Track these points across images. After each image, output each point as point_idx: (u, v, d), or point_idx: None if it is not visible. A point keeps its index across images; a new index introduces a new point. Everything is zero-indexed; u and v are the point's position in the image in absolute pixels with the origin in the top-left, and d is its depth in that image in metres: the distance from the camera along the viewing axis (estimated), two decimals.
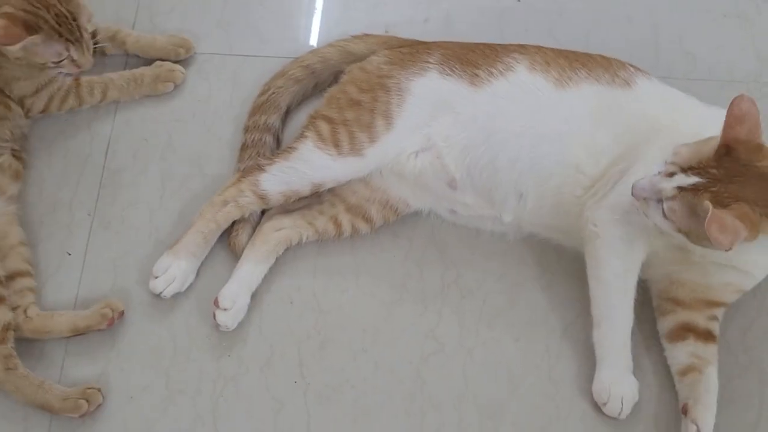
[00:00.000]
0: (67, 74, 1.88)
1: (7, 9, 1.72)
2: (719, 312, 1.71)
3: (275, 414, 1.72)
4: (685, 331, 1.69)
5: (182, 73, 2.02)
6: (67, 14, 1.77)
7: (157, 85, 2.00)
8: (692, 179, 1.47)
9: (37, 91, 1.92)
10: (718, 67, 1.99)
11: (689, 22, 2.06)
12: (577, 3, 2.09)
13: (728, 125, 1.46)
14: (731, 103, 1.47)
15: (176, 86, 2.01)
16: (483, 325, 1.78)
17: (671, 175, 1.50)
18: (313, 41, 2.06)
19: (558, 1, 2.10)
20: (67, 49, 1.79)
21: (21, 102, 1.92)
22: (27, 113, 1.94)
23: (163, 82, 2.00)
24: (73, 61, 1.82)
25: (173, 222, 1.89)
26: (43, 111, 1.95)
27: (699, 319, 1.69)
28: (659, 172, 1.52)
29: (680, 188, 1.48)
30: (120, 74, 2.00)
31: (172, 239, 1.83)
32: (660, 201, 1.50)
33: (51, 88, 1.93)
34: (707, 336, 1.69)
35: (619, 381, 1.67)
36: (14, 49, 1.74)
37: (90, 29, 1.86)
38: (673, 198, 1.49)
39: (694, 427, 1.61)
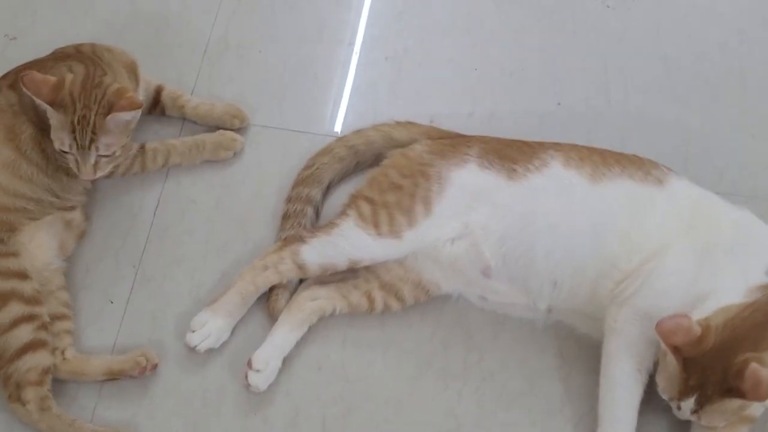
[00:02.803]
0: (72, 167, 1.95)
1: (68, 76, 1.90)
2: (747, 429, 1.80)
3: None
4: None
5: (242, 142, 2.18)
6: (91, 123, 1.87)
7: (219, 152, 2.16)
8: (691, 400, 1.64)
9: None
10: (742, 182, 2.13)
11: (719, 139, 2.22)
12: (613, 110, 2.25)
13: (665, 340, 1.63)
14: (657, 327, 1.63)
15: (235, 154, 2.17)
16: (501, 408, 1.90)
17: (678, 408, 1.66)
18: (361, 124, 2.19)
19: (596, 107, 2.26)
20: (70, 147, 1.88)
21: None
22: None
23: (224, 150, 2.16)
24: (76, 162, 1.91)
25: (214, 281, 2.03)
26: (108, 176, 2.09)
27: None
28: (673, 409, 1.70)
29: (694, 411, 1.63)
30: (182, 141, 2.16)
31: (212, 298, 1.97)
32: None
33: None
34: None
35: None
36: (41, 105, 1.87)
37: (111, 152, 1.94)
38: (699, 418, 1.65)
39: None
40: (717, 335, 1.61)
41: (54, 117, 1.86)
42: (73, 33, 2.16)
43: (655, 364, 1.78)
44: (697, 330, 1.61)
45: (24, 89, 1.83)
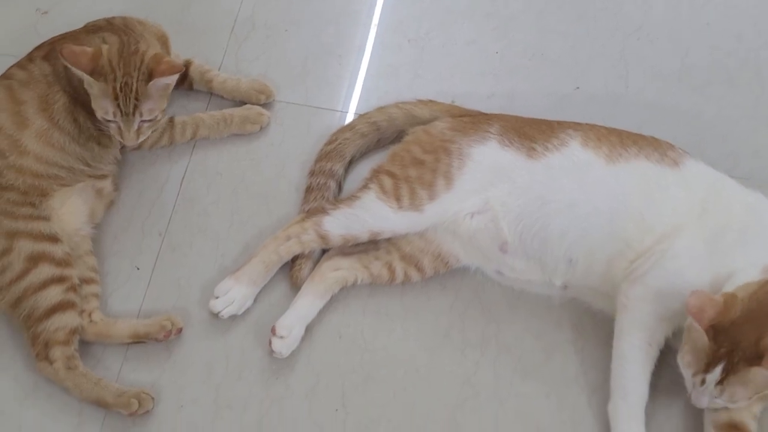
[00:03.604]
0: (113, 135, 2.02)
1: (104, 46, 1.95)
2: (761, 408, 1.85)
3: None
4: (734, 429, 1.80)
5: (268, 117, 2.24)
6: (134, 90, 1.93)
7: (246, 125, 2.23)
8: (717, 370, 1.66)
9: None
10: (757, 168, 2.18)
11: (734, 126, 2.27)
12: (631, 96, 2.31)
13: (698, 318, 1.66)
14: (687, 306, 1.66)
15: (261, 128, 2.24)
16: (517, 379, 1.95)
17: (702, 382, 1.69)
18: (382, 102, 2.24)
19: (614, 92, 2.31)
20: (114, 114, 1.95)
21: None
22: (122, 148, 2.16)
23: (251, 124, 2.23)
24: (119, 129, 1.98)
25: (238, 251, 2.09)
26: (137, 148, 2.17)
27: (747, 417, 1.82)
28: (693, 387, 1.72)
29: (719, 383, 1.66)
30: (210, 114, 2.22)
31: (235, 267, 2.03)
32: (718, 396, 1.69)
33: None
34: None
35: None
36: (80, 75, 1.93)
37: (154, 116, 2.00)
38: (722, 392, 1.67)
39: None
40: (743, 305, 1.66)
41: (94, 86, 1.91)
42: (104, 9, 2.21)
43: (667, 340, 1.85)
44: (721, 301, 1.65)
45: (63, 61, 1.89)
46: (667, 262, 1.82)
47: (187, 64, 2.24)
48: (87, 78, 1.90)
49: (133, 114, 1.94)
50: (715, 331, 1.65)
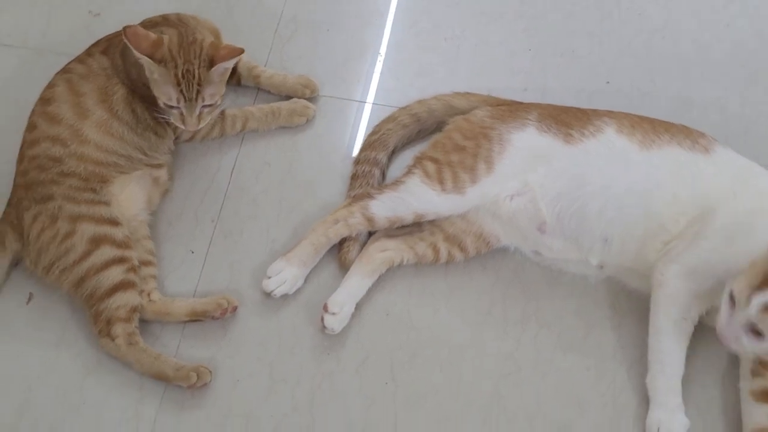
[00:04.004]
0: (174, 122, 2.10)
1: (165, 35, 2.05)
2: None
3: (366, 409, 1.99)
4: None
5: (314, 110, 2.35)
6: (196, 76, 2.01)
7: (293, 118, 2.34)
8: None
9: None
10: None
11: (758, 119, 2.38)
12: (657, 90, 2.44)
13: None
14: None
15: (308, 121, 2.35)
16: (557, 354, 2.05)
17: (747, 299, 1.73)
18: (420, 96, 2.35)
19: (641, 87, 2.43)
20: (178, 100, 2.03)
21: (174, 129, 2.23)
22: (177, 139, 2.27)
23: (298, 116, 2.34)
24: (181, 115, 2.07)
25: (287, 236, 2.20)
26: (189, 140, 2.29)
27: None
28: (729, 312, 1.76)
29: (765, 305, 1.69)
30: (259, 108, 2.33)
31: (285, 251, 2.13)
32: (749, 331, 1.73)
33: None
34: None
35: (668, 420, 1.92)
36: (140, 58, 2.01)
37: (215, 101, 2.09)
38: (761, 315, 1.69)
39: None
40: None
41: (156, 71, 2.01)
42: (153, 11, 2.30)
43: (701, 318, 1.96)
44: None
45: (125, 41, 1.98)
46: (701, 242, 1.92)
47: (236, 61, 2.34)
48: (148, 62, 1.99)
49: (196, 99, 2.03)
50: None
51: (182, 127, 2.09)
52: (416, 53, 2.51)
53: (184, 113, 2.06)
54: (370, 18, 2.56)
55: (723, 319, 1.78)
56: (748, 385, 1.94)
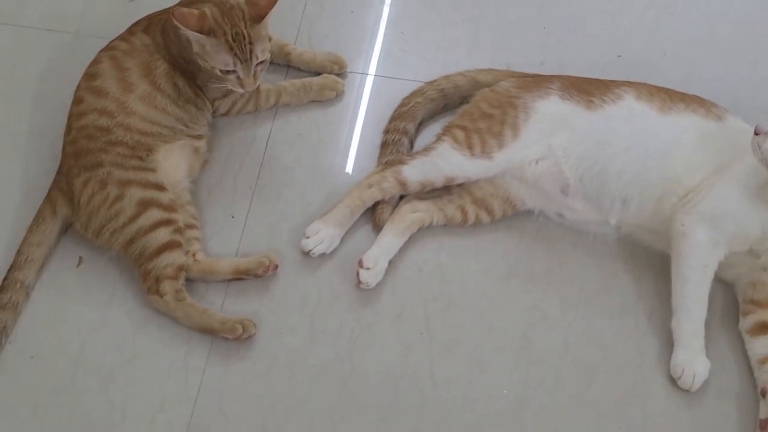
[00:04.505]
0: (231, 89, 2.23)
1: (205, 9, 2.16)
2: None
3: (403, 357, 2.13)
4: (765, 328, 2.06)
5: (343, 84, 2.49)
6: (246, 36, 2.11)
7: (324, 92, 2.48)
8: None
9: (224, 95, 2.37)
10: None
11: (764, 86, 2.55)
12: (668, 62, 2.59)
13: None
14: None
15: (337, 95, 2.49)
16: (582, 303, 2.19)
17: None
18: (444, 72, 2.50)
19: (652, 59, 2.58)
20: (234, 64, 2.13)
21: (212, 102, 2.37)
22: (214, 113, 2.41)
23: (329, 90, 2.48)
24: (238, 78, 2.17)
25: (321, 201, 2.33)
26: (225, 113, 2.43)
27: None
28: None
29: None
30: (291, 83, 2.47)
31: (320, 214, 2.27)
32: None
33: (235, 94, 2.37)
34: None
35: (692, 361, 2.06)
36: (190, 36, 2.13)
37: (266, 57, 2.20)
38: None
39: None
40: None
41: (207, 43, 2.13)
42: None
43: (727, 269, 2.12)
44: None
45: (175, 22, 2.10)
46: (719, 190, 2.07)
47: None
48: (199, 37, 2.11)
49: (250, 58, 2.16)
50: None
51: (240, 90, 2.21)
52: (439, 30, 2.65)
53: (241, 75, 2.18)
54: (392, 0, 2.71)
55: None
56: (743, 324, 2.11)
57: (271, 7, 2.14)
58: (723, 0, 2.72)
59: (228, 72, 2.17)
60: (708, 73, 2.56)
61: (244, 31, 2.12)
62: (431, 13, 2.69)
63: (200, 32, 2.10)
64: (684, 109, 2.18)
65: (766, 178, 2.01)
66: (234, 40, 2.12)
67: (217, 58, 2.14)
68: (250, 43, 2.13)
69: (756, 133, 1.97)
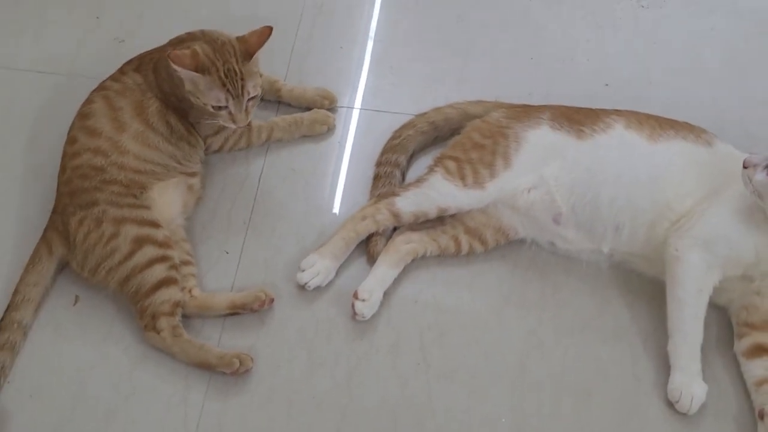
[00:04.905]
0: (224, 125, 2.27)
1: (197, 47, 2.21)
2: None
3: (401, 387, 2.14)
4: (760, 350, 2.08)
5: (334, 119, 2.54)
6: (238, 72, 2.16)
7: (315, 126, 2.52)
8: None
9: (217, 132, 2.42)
10: None
11: (751, 112, 2.62)
12: (655, 90, 2.65)
13: None
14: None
15: (329, 129, 2.54)
16: (576, 330, 2.21)
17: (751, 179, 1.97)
18: (433, 105, 2.55)
19: (639, 88, 2.64)
20: (226, 100, 2.17)
21: (204, 140, 2.42)
22: (207, 150, 2.45)
23: (320, 125, 2.53)
24: (230, 114, 2.22)
25: (315, 234, 2.36)
26: (218, 150, 2.47)
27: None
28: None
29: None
30: (282, 118, 2.51)
31: (315, 247, 2.29)
32: (766, 168, 1.96)
33: (227, 131, 2.42)
34: None
35: (689, 384, 2.08)
36: (183, 75, 2.18)
37: (258, 92, 2.24)
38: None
39: None
40: None
41: (201, 81, 2.17)
42: (174, 33, 2.46)
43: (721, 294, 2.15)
44: None
45: (172, 65, 2.15)
46: (711, 215, 2.11)
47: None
48: (194, 75, 2.16)
49: (242, 94, 2.20)
50: None
51: (232, 125, 2.26)
52: (426, 63, 2.71)
53: (233, 111, 2.23)
54: (379, 37, 2.79)
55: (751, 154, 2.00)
56: (739, 347, 2.14)
57: (262, 44, 2.19)
58: (707, 28, 2.79)
59: (220, 108, 2.21)
60: (695, 100, 2.62)
61: (236, 68, 2.17)
62: (419, 47, 2.75)
63: (195, 71, 2.14)
64: (674, 136, 2.23)
65: (758, 203, 2.04)
66: (226, 77, 2.16)
67: (209, 94, 2.18)
68: (242, 79, 2.17)
69: (745, 167, 2.02)
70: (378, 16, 2.83)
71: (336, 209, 2.43)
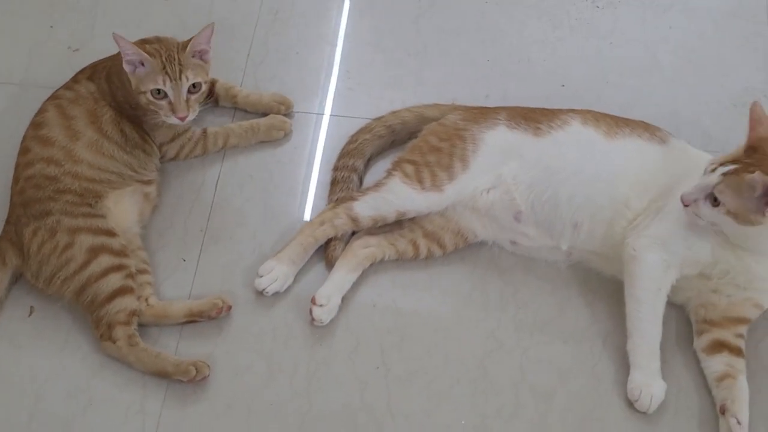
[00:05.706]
0: (166, 117, 2.29)
1: (146, 42, 2.29)
2: (744, 330, 2.14)
3: (360, 391, 2.15)
4: (720, 346, 2.11)
5: (291, 124, 2.56)
6: (177, 59, 2.24)
7: (272, 132, 2.54)
8: (732, 166, 1.96)
9: (172, 140, 2.44)
10: (729, 144, 2.48)
11: (705, 109, 2.66)
12: (611, 90, 2.69)
13: (751, 128, 2.01)
14: (750, 110, 2.02)
15: (285, 134, 2.56)
16: (536, 330, 2.24)
17: (713, 170, 2.00)
18: (390, 108, 2.57)
19: (595, 88, 2.68)
20: (164, 82, 2.22)
21: (159, 147, 2.43)
22: (162, 158, 2.46)
23: (276, 130, 2.55)
24: (170, 104, 2.26)
25: (273, 240, 2.37)
26: (174, 158, 2.48)
27: (729, 336, 2.13)
28: (698, 181, 2.02)
29: (724, 174, 1.96)
30: (238, 124, 2.53)
31: (273, 254, 2.30)
32: (707, 198, 1.98)
33: (183, 138, 2.45)
34: (738, 351, 2.11)
35: (648, 383, 2.10)
36: (127, 58, 2.23)
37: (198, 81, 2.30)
38: (720, 183, 1.95)
39: (735, 420, 2.03)
40: None
41: (148, 62, 2.22)
42: None
43: (679, 292, 2.18)
44: None
45: (118, 44, 2.21)
46: (667, 214, 2.14)
47: (213, 82, 2.54)
48: (143, 55, 2.21)
49: (180, 77, 2.25)
50: (756, 151, 2.00)
51: (174, 119, 2.28)
52: (383, 68, 2.74)
53: (172, 99, 2.26)
54: (335, 40, 2.81)
55: (690, 186, 2.03)
56: (698, 344, 2.18)
57: (205, 37, 2.28)
58: (662, 28, 2.83)
59: (159, 94, 2.24)
60: (650, 99, 2.66)
61: (176, 55, 2.23)
62: (376, 52, 2.77)
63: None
64: (629, 133, 2.26)
65: (716, 230, 2.08)
66: (167, 60, 2.22)
67: (149, 78, 2.23)
68: (180, 64, 2.23)
69: (686, 205, 2.05)
70: (334, 21, 2.84)
71: (297, 215, 2.46)
